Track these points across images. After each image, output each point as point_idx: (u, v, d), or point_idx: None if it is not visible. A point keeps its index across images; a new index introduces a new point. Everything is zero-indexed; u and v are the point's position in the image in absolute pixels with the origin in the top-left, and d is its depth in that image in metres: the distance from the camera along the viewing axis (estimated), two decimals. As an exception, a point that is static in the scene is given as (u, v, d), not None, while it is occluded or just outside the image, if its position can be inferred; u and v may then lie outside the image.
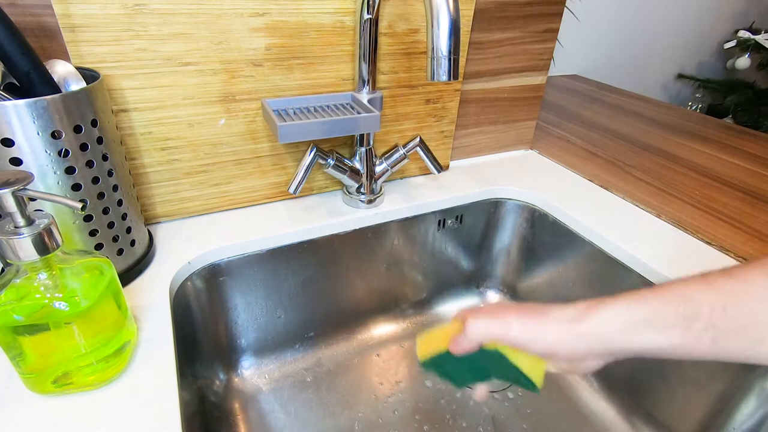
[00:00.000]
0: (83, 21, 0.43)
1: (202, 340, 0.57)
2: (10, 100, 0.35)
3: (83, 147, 0.40)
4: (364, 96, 0.57)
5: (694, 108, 1.82)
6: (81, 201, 0.40)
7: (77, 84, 0.41)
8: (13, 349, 0.33)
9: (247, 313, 0.61)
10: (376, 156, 0.62)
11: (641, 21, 1.54)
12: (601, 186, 0.71)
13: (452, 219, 0.70)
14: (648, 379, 0.57)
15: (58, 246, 0.32)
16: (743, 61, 1.71)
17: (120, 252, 0.46)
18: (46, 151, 0.37)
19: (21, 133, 0.36)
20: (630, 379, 0.60)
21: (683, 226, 0.61)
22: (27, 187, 0.30)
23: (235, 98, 0.53)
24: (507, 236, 0.74)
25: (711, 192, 0.70)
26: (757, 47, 1.68)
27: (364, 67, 0.55)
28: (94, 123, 0.40)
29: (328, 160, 0.57)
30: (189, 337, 0.54)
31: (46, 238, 0.31)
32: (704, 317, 0.28)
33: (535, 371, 0.35)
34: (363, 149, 0.60)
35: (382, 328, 0.73)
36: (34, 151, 0.37)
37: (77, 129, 0.39)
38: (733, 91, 1.72)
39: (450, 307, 0.77)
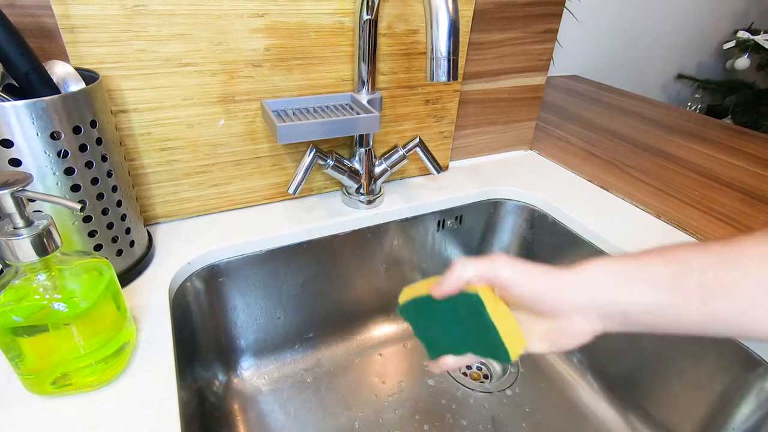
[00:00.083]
0: (82, 22, 0.43)
1: (201, 340, 0.57)
2: (9, 101, 0.35)
3: (82, 148, 0.40)
4: (364, 97, 0.57)
5: (693, 108, 1.82)
6: (80, 202, 0.40)
7: (76, 85, 0.41)
8: (12, 350, 0.33)
9: (247, 313, 0.61)
10: (375, 156, 0.62)
11: (640, 21, 1.54)
12: (601, 186, 0.71)
13: (452, 219, 0.70)
14: (648, 379, 0.57)
15: (57, 247, 0.32)
16: (743, 62, 1.71)
17: (119, 253, 0.46)
18: (46, 152, 0.37)
19: (20, 134, 0.36)
20: (629, 379, 0.60)
21: (683, 227, 0.61)
22: (26, 188, 0.30)
23: (234, 99, 0.53)
24: (506, 237, 0.74)
25: (710, 192, 0.70)
26: (757, 48, 1.68)
27: (364, 68, 0.55)
28: (93, 124, 0.40)
29: (328, 160, 0.57)
30: (188, 338, 0.54)
31: (45, 239, 0.31)
32: (694, 277, 0.28)
33: (511, 338, 0.33)
34: (362, 150, 0.60)
35: (382, 329, 0.73)
36: (33, 152, 0.37)
37: (76, 130, 0.39)
38: (733, 91, 1.72)
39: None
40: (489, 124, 0.76)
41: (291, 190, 0.55)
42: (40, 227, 0.31)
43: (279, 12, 0.51)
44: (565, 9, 0.72)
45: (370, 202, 0.62)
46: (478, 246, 0.75)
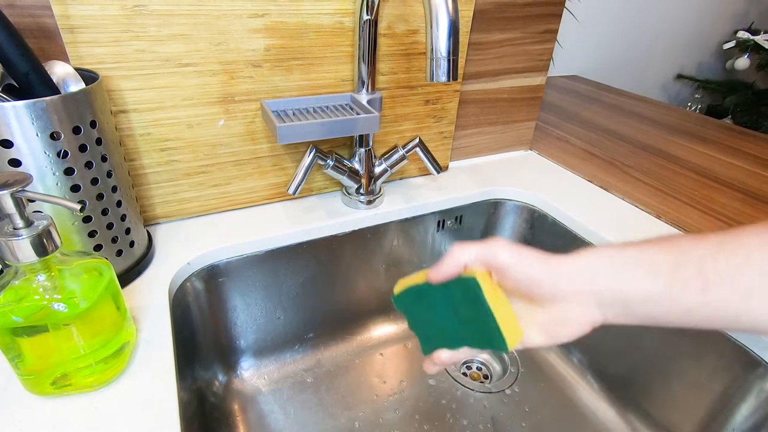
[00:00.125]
0: (82, 22, 0.43)
1: (201, 341, 0.57)
2: (9, 101, 0.35)
3: (82, 148, 0.40)
4: (364, 97, 0.57)
5: (693, 108, 1.82)
6: (80, 202, 0.40)
7: (76, 85, 0.41)
8: (12, 351, 0.33)
9: (247, 314, 0.61)
10: (375, 157, 0.62)
11: (640, 22, 1.54)
12: (601, 186, 0.71)
13: (452, 220, 0.70)
14: (648, 379, 0.57)
15: (56, 247, 0.32)
16: (742, 62, 1.71)
17: (119, 253, 0.46)
18: (45, 153, 0.37)
19: (20, 135, 0.36)
20: (629, 379, 0.60)
21: (682, 227, 0.61)
22: (26, 188, 0.30)
23: (234, 99, 0.53)
24: (506, 237, 0.74)
25: (710, 192, 0.70)
26: (757, 48, 1.68)
27: (364, 68, 0.55)
28: (93, 124, 0.40)
29: (328, 161, 0.57)
30: (188, 338, 0.54)
31: (45, 240, 0.31)
32: (693, 265, 0.28)
33: (508, 327, 0.32)
34: (362, 150, 0.60)
35: (382, 329, 0.73)
36: (33, 152, 0.37)
37: (76, 130, 0.39)
38: (733, 91, 1.72)
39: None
40: (489, 125, 0.76)
41: (291, 191, 0.55)
42: (40, 228, 0.31)
43: (279, 12, 0.51)
44: (565, 9, 0.72)
45: (369, 202, 0.62)
46: (478, 246, 0.75)
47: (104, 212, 0.43)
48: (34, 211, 0.36)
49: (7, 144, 0.36)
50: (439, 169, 0.63)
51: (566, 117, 1.02)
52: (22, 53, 0.36)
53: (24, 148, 0.36)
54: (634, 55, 1.60)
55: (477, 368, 0.68)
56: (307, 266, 0.62)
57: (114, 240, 0.45)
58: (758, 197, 0.70)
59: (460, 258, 0.32)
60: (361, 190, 0.62)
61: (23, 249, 0.30)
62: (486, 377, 0.66)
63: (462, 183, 0.70)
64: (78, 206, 0.32)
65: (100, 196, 0.42)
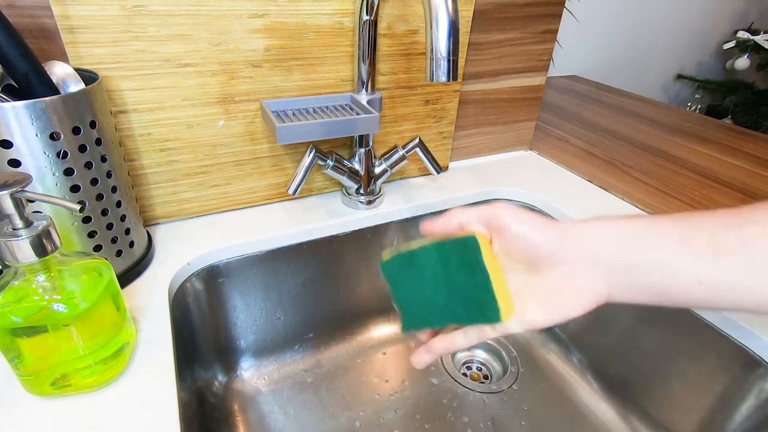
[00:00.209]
0: (82, 22, 0.43)
1: (201, 341, 0.57)
2: (8, 101, 0.35)
3: (82, 148, 0.39)
4: (364, 97, 0.57)
5: (693, 108, 1.82)
6: (79, 202, 0.40)
7: (76, 85, 0.41)
8: (12, 351, 0.33)
9: (247, 314, 0.61)
10: (375, 157, 0.62)
11: (640, 22, 1.54)
12: (601, 186, 0.71)
13: (452, 220, 0.70)
14: (648, 379, 0.57)
15: (56, 248, 0.32)
16: (742, 62, 1.71)
17: (119, 253, 0.46)
18: (45, 153, 0.37)
19: (19, 135, 0.36)
20: (629, 379, 0.60)
21: (682, 227, 0.61)
22: (25, 188, 0.30)
23: (234, 99, 0.53)
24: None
25: (710, 192, 0.70)
26: (756, 48, 1.68)
27: (363, 68, 0.55)
28: (92, 124, 0.40)
29: (328, 161, 0.57)
30: (188, 339, 0.54)
31: (45, 240, 0.31)
32: (704, 235, 0.27)
33: (503, 297, 0.30)
34: (362, 150, 0.60)
35: (382, 329, 0.72)
36: (32, 152, 0.37)
37: (76, 130, 0.39)
38: (733, 91, 1.72)
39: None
40: (489, 125, 0.76)
41: (291, 191, 0.55)
42: (40, 228, 0.31)
43: (278, 12, 0.51)
44: (565, 9, 0.72)
45: (369, 202, 0.62)
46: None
47: (104, 213, 0.43)
48: (34, 212, 0.36)
49: (7, 144, 0.36)
50: (439, 169, 0.63)
51: (566, 117, 1.02)
52: (21, 53, 0.36)
53: (23, 148, 0.36)
54: (634, 55, 1.60)
55: (477, 368, 0.68)
56: (307, 266, 0.62)
57: (114, 240, 0.45)
58: (758, 197, 0.70)
59: (459, 216, 0.31)
60: (361, 191, 0.62)
61: (23, 249, 0.30)
62: (486, 377, 0.66)
63: (462, 183, 0.70)
64: (77, 207, 0.32)
65: (99, 197, 0.42)
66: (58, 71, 0.41)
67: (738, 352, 0.47)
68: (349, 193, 0.62)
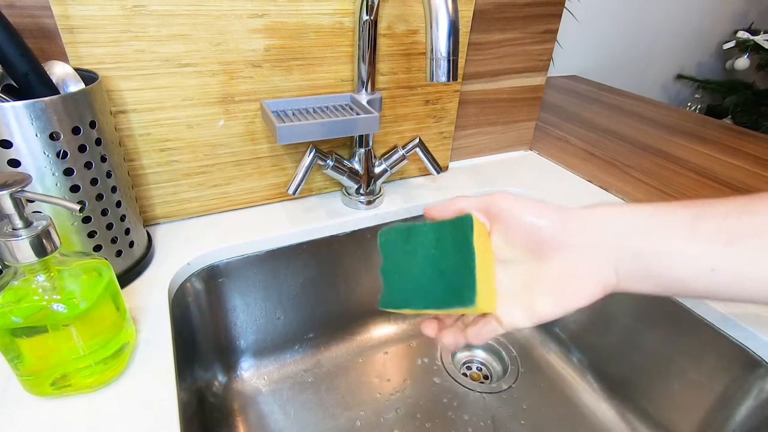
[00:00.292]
0: (82, 22, 0.43)
1: (201, 341, 0.57)
2: (8, 101, 0.35)
3: (82, 148, 0.39)
4: (363, 97, 0.57)
5: (693, 108, 1.82)
6: (79, 202, 0.40)
7: (76, 85, 0.41)
8: (11, 352, 0.33)
9: (247, 314, 0.61)
10: (375, 157, 0.62)
11: (640, 22, 1.54)
12: (600, 187, 0.71)
13: (452, 220, 0.70)
14: (648, 379, 0.57)
15: (56, 248, 0.32)
16: (742, 62, 1.71)
17: (119, 253, 0.46)
18: (45, 153, 0.37)
19: (19, 135, 0.36)
20: (629, 379, 0.60)
21: (682, 227, 0.61)
22: (25, 188, 0.30)
23: (234, 99, 0.53)
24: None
25: (710, 193, 0.70)
26: (756, 48, 1.68)
27: (363, 68, 0.55)
28: (92, 124, 0.40)
29: (328, 161, 0.57)
30: (188, 339, 0.54)
31: (44, 240, 0.31)
32: (717, 220, 0.26)
33: (485, 283, 0.30)
34: (362, 150, 0.60)
35: (382, 329, 0.72)
36: (32, 152, 0.37)
37: (76, 130, 0.39)
38: (733, 91, 1.72)
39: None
40: (489, 125, 0.76)
41: (291, 191, 0.55)
42: (39, 228, 0.31)
43: (278, 12, 0.50)
44: (565, 9, 0.72)
45: (369, 202, 0.62)
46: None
47: (104, 213, 0.43)
48: (34, 212, 0.36)
49: (7, 144, 0.36)
50: (439, 169, 0.63)
51: (566, 117, 1.02)
52: (21, 53, 0.36)
53: (23, 148, 0.36)
54: (634, 55, 1.60)
55: (477, 368, 0.68)
56: (307, 266, 0.62)
57: (113, 240, 0.45)
58: (758, 197, 0.69)
59: (460, 201, 0.32)
60: (361, 190, 0.62)
61: (22, 249, 0.30)
62: (486, 377, 0.66)
63: (462, 183, 0.70)
64: (77, 206, 0.31)
65: (99, 197, 0.42)
66: (58, 71, 0.41)
67: (738, 352, 0.47)
68: (349, 193, 0.62)
